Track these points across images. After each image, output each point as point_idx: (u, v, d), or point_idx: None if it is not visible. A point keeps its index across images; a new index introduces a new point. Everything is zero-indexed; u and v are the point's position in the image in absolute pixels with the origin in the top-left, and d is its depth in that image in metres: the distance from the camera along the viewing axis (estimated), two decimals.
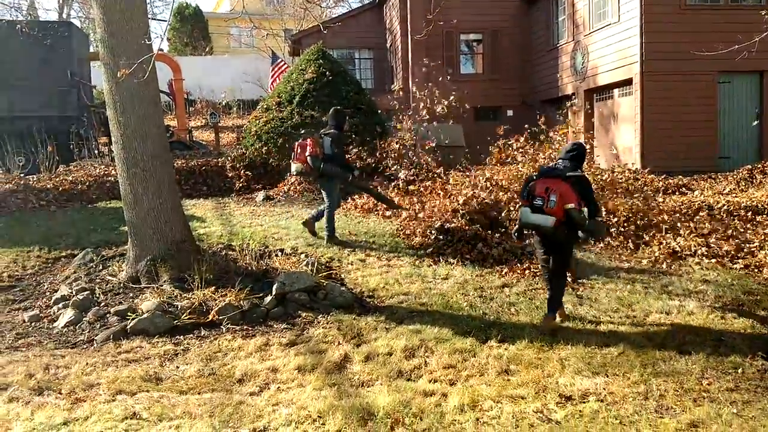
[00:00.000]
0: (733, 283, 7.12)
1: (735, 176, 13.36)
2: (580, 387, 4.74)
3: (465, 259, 7.91)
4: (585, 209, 5.67)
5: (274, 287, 6.45)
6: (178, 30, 33.55)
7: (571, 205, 5.49)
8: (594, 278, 7.31)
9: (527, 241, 7.68)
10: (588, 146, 17.01)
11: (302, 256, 7.86)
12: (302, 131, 12.20)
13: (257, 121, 13.38)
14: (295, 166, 8.59)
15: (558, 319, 6.04)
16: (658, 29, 14.63)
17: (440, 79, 15.09)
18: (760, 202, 9.99)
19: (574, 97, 18.43)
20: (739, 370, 5.03)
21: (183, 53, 31.98)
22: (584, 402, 4.51)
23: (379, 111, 14.45)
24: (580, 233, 5.82)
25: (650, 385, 4.76)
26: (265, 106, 13.76)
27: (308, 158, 8.28)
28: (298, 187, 12.30)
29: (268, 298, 6.37)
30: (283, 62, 22.12)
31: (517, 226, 6.05)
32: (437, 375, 4.97)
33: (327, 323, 6.03)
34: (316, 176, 8.60)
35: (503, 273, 7.48)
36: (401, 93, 15.17)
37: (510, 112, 20.93)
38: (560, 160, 5.94)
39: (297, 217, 10.10)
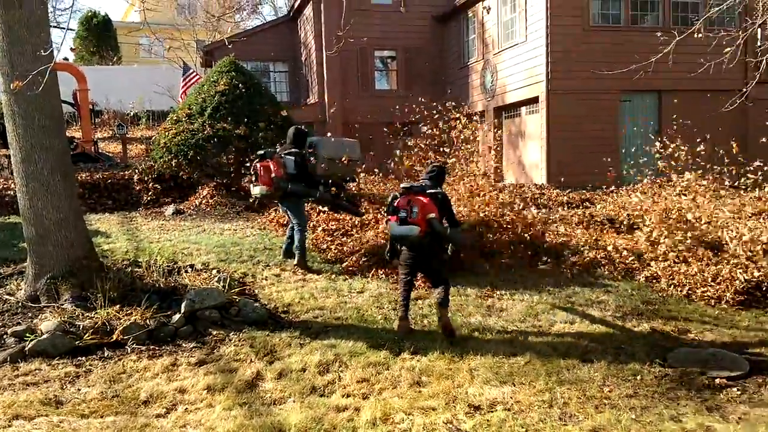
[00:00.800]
0: (633, 293, 7.50)
1: (635, 189, 14.11)
2: (488, 396, 4.85)
3: (380, 273, 7.97)
4: (446, 222, 6.37)
5: (183, 305, 6.27)
6: (86, 39, 32.22)
7: (432, 215, 6.09)
8: (502, 290, 7.52)
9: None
10: (496, 163, 17.53)
11: (214, 271, 7.68)
12: (213, 142, 12.00)
13: (167, 133, 13.01)
14: (258, 189, 8.11)
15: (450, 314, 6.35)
16: (563, 49, 15.29)
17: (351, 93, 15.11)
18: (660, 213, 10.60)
19: (484, 114, 18.99)
20: (638, 377, 5.29)
21: (90, 63, 30.71)
22: (492, 411, 4.62)
23: (299, 124, 14.37)
24: (446, 246, 6.47)
25: (555, 393, 4.93)
26: (175, 118, 13.40)
27: (274, 180, 7.90)
28: (210, 201, 12.05)
29: (177, 317, 6.17)
30: (194, 73, 21.63)
31: (388, 246, 6.65)
32: (351, 389, 4.97)
33: (239, 341, 5.91)
34: (282, 197, 8.20)
35: (416, 286, 7.57)
36: (317, 107, 15.15)
37: (424, 129, 21.30)
38: (423, 180, 6.64)
39: (209, 231, 9.88)
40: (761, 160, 8.54)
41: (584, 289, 7.58)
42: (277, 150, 8.37)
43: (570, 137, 15.44)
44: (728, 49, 7.48)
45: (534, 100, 16.24)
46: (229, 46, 11.97)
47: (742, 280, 7.26)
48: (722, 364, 5.51)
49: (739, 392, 5.04)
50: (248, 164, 10.01)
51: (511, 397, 4.85)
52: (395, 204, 6.26)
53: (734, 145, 8.74)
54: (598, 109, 15.69)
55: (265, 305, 6.82)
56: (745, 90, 9.11)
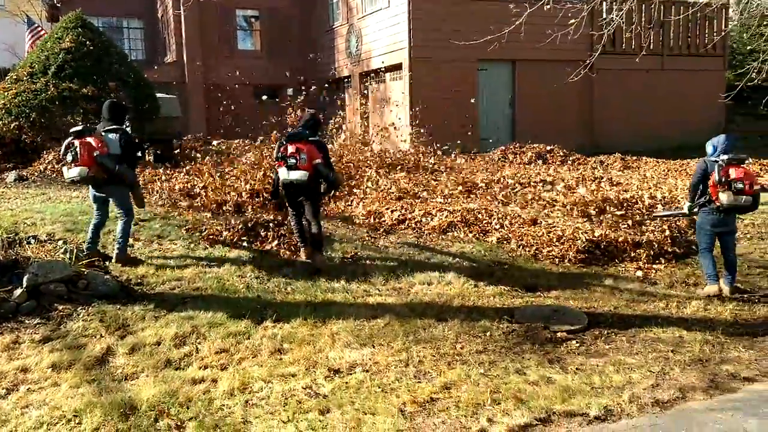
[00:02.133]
0: (486, 254, 7.88)
1: (492, 155, 14.80)
2: (348, 359, 4.95)
3: (242, 241, 7.81)
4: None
5: (25, 279, 5.82)
6: None
7: (318, 161, 6.73)
8: (365, 254, 7.64)
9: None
10: (363, 129, 17.66)
11: (60, 243, 7.18)
12: (58, 103, 11.14)
13: (6, 93, 11.89)
14: (77, 171, 6.52)
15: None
16: (425, 16, 15.55)
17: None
18: (510, 177, 11.21)
19: (350, 79, 18.98)
20: (488, 333, 5.60)
21: None
22: (351, 374, 4.72)
23: (152, 84, 13.65)
24: (323, 185, 7.10)
25: (411, 352, 5.12)
26: (15, 77, 12.27)
27: (101, 159, 6.54)
28: (57, 166, 11.19)
29: (18, 291, 5.72)
30: (40, 28, 19.85)
31: (272, 187, 7.35)
32: (208, 361, 4.87)
33: (88, 315, 5.59)
34: (106, 181, 6.78)
35: (280, 253, 7.52)
36: (175, 67, 14.46)
37: (290, 92, 20.96)
38: (300, 128, 7.16)
39: (55, 199, 9.21)
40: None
41: (441, 252, 7.86)
42: (97, 127, 6.98)
43: (432, 104, 15.81)
44: (573, 21, 7.92)
45: (397, 67, 16.44)
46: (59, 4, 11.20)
47: (584, 240, 7.85)
48: (564, 319, 5.96)
49: (577, 344, 5.48)
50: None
51: (370, 359, 4.98)
52: (281, 151, 6.80)
53: None
54: (458, 77, 16.17)
55: (117, 277, 6.48)
56: (588, 61, 9.72)
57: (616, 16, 8.78)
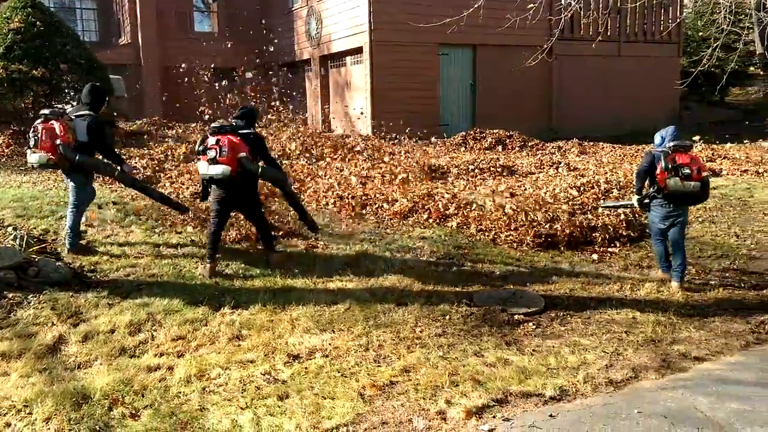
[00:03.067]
0: (446, 239, 7.92)
1: (452, 141, 14.86)
2: (308, 345, 4.93)
3: (203, 226, 7.69)
4: (262, 162, 6.45)
5: None
6: None
7: (243, 154, 6.09)
8: (326, 240, 7.61)
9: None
10: (324, 113, 17.54)
11: (9, 229, 6.95)
12: (7, 85, 10.77)
13: None
14: (37, 156, 6.33)
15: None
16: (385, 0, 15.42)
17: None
18: (470, 163, 11.28)
19: (310, 63, 18.79)
20: (447, 317, 5.64)
21: None
22: (311, 359, 4.71)
23: (106, 66, 13.29)
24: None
25: (371, 336, 5.12)
26: None
27: (60, 147, 6.27)
28: (6, 150, 10.86)
29: None
30: None
31: (201, 186, 6.63)
32: (164, 348, 4.80)
33: (39, 303, 5.45)
34: (69, 170, 6.59)
35: (238, 240, 7.42)
36: (130, 48, 14.11)
37: (249, 75, 20.63)
38: (233, 120, 6.57)
39: (4, 184, 8.93)
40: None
41: (402, 237, 7.87)
42: (68, 111, 6.80)
43: (393, 88, 15.78)
44: (531, 5, 7.96)
45: (358, 50, 16.33)
46: None
47: (543, 224, 7.95)
48: (521, 302, 6.04)
49: (534, 326, 5.55)
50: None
51: (330, 344, 4.97)
52: (205, 144, 6.18)
53: None
54: (419, 61, 16.13)
55: (70, 264, 6.33)
56: (545, 46, 9.80)
57: (574, 1, 8.86)
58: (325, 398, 4.15)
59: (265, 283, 6.26)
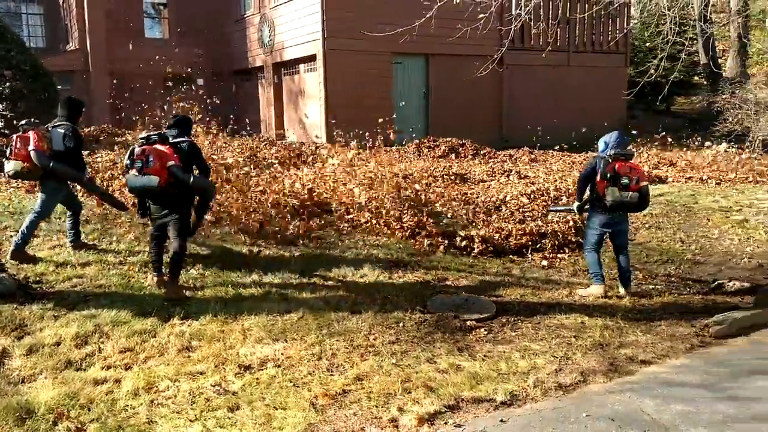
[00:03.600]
0: (400, 247, 7.96)
1: (406, 149, 14.94)
2: (260, 355, 4.89)
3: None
4: (197, 171, 6.19)
5: None
6: None
7: (171, 163, 5.81)
8: (278, 248, 7.55)
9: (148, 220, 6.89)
10: (277, 121, 17.42)
11: None
12: None
13: None
14: (12, 164, 6.47)
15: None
16: (339, 7, 15.39)
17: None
18: (424, 171, 11.36)
19: (263, 70, 18.66)
20: (401, 324, 5.66)
21: None
22: (262, 369, 4.67)
23: (52, 74, 12.95)
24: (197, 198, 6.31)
25: (324, 345, 5.11)
26: None
27: (33, 154, 6.38)
28: None
29: None
30: None
31: (137, 200, 6.37)
32: (112, 361, 4.70)
33: None
34: (42, 177, 6.68)
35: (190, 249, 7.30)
36: (78, 55, 13.77)
37: (201, 81, 20.41)
38: (166, 129, 6.37)
39: None
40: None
41: (356, 245, 7.88)
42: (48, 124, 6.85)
43: (347, 96, 15.75)
44: (482, 15, 8.08)
45: (312, 58, 16.28)
46: None
47: (494, 231, 8.07)
48: (473, 308, 6.11)
49: (486, 332, 5.63)
50: None
51: (282, 353, 4.94)
52: (132, 156, 5.90)
53: None
54: (373, 70, 16.16)
55: (14, 275, 6.12)
56: (496, 56, 9.96)
57: (524, 11, 9.04)
58: (276, 409, 4.11)
59: (216, 292, 6.18)
